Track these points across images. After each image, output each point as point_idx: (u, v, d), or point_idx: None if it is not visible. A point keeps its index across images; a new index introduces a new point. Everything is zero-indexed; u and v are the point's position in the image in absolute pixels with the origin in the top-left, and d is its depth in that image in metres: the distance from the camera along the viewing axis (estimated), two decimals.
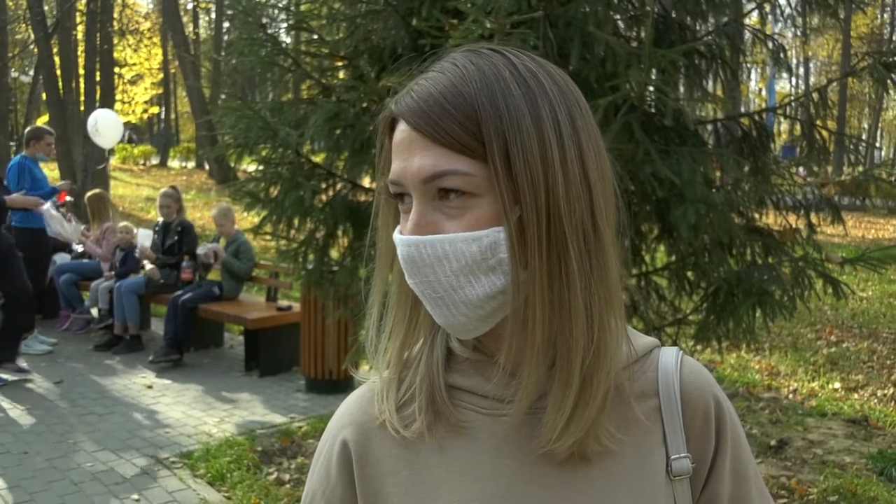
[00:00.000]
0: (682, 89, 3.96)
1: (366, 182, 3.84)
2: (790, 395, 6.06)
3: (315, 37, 4.00)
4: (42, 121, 39.07)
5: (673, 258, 3.72)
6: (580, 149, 0.76)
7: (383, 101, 3.35)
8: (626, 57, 2.85)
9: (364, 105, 3.46)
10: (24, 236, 7.04)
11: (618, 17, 3.68)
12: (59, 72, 18.02)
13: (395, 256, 0.81)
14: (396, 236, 0.79)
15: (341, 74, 3.89)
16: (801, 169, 4.16)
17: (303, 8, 4.10)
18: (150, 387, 6.13)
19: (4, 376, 6.15)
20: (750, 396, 5.92)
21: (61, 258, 8.20)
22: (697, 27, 3.90)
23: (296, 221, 3.65)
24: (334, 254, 3.88)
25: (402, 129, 0.77)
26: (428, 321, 0.84)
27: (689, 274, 3.66)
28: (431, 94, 0.75)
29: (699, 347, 3.68)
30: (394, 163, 0.78)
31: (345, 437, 0.87)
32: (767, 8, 3.80)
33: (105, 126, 10.28)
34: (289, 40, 6.25)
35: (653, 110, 3.22)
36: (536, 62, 0.79)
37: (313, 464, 0.92)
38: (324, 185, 3.73)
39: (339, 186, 3.73)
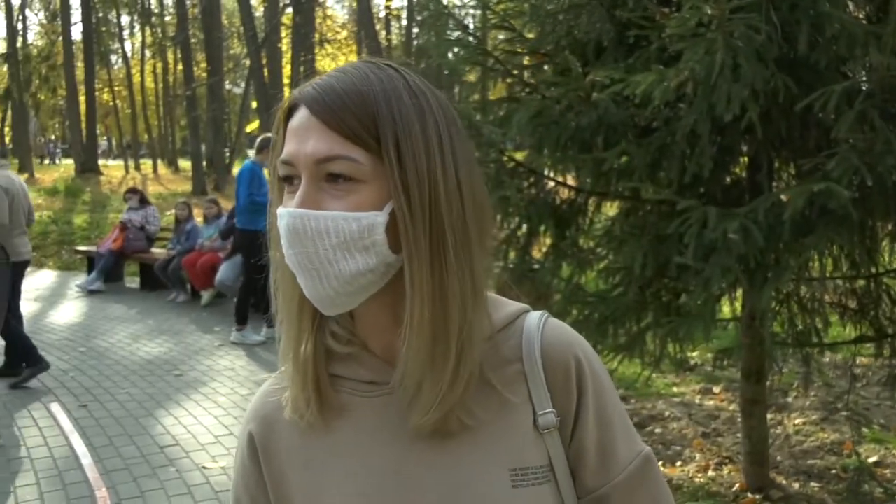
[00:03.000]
0: None
1: (570, 180, 3.78)
2: None
3: (503, 36, 3.99)
4: (251, 127, 42.26)
5: None
6: (455, 160, 0.86)
7: (590, 97, 3.30)
8: (864, 37, 2.59)
9: (568, 102, 3.41)
10: (245, 238, 7.57)
11: None
12: (266, 81, 19.39)
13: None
14: (280, 209, 0.86)
15: (545, 69, 3.85)
16: None
17: (502, 7, 4.11)
18: None
19: (256, 336, 7.66)
20: None
21: None
22: None
23: (498, 219, 3.66)
24: (535, 252, 3.86)
25: (301, 114, 0.86)
26: (309, 315, 0.92)
27: None
28: (334, 87, 0.85)
29: None
30: (288, 145, 0.86)
31: (251, 430, 0.99)
32: None
33: None
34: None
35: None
36: (424, 83, 0.89)
37: (235, 454, 1.05)
38: (525, 184, 3.71)
39: (541, 184, 3.70)
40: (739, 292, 3.58)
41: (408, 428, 0.90)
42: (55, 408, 5.67)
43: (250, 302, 7.88)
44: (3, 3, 32.00)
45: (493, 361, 0.91)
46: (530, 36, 3.91)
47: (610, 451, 0.92)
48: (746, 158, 3.62)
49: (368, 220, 0.83)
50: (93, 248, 11.72)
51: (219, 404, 5.76)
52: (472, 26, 4.42)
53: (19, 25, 36.78)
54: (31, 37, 41.10)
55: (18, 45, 34.15)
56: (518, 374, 0.91)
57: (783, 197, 2.92)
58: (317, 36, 25.03)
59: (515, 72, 3.92)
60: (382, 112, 0.83)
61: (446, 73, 4.21)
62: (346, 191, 0.84)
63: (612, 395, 0.95)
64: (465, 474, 0.89)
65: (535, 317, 0.95)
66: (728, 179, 3.71)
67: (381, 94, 0.84)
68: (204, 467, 4.56)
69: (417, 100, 0.86)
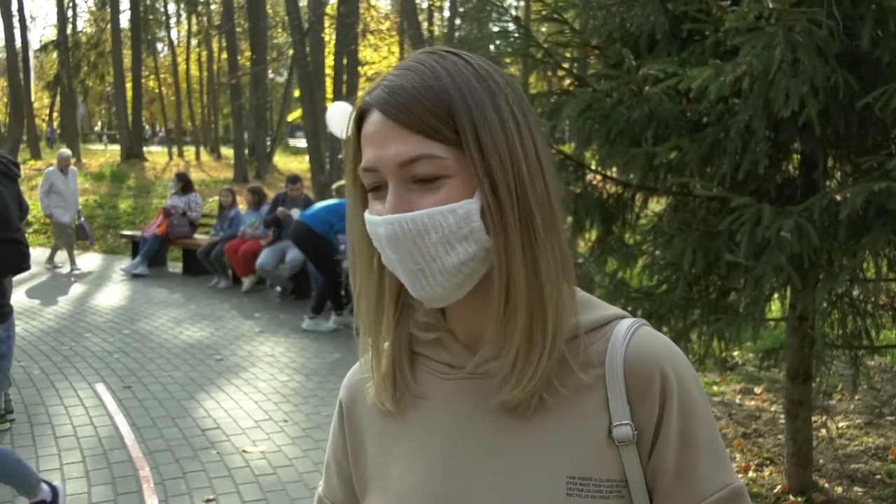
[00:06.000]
0: None
1: (615, 174, 3.74)
2: None
3: (545, 28, 3.96)
4: (293, 116, 42.60)
5: None
6: (532, 135, 0.86)
7: (642, 91, 3.26)
8: None
9: (619, 96, 3.37)
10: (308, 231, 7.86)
11: None
12: (309, 71, 19.48)
13: (368, 242, 0.89)
14: (373, 218, 0.86)
15: (592, 61, 3.81)
16: None
17: None
18: None
19: (328, 324, 7.82)
20: None
21: None
22: None
23: None
24: (580, 246, 3.83)
25: (374, 119, 0.85)
26: (392, 308, 0.94)
27: None
28: (404, 87, 0.84)
29: None
30: (367, 152, 0.85)
31: (341, 398, 1.05)
32: None
33: (331, 117, 10.32)
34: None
35: None
36: (489, 63, 0.89)
37: None
38: (572, 178, 3.68)
39: (588, 178, 3.67)
40: (786, 291, 3.51)
41: (473, 415, 0.90)
42: (100, 388, 5.79)
43: (328, 294, 8.00)
44: None
45: (570, 365, 0.88)
46: (580, 28, 3.87)
47: (689, 476, 0.87)
48: (798, 156, 3.56)
49: (464, 210, 0.83)
50: (137, 233, 11.93)
51: (259, 389, 5.83)
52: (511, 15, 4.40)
53: (69, 13, 37.52)
54: (81, 24, 41.99)
55: (68, 32, 34.83)
56: (597, 380, 0.88)
57: (837, 196, 2.86)
58: (360, 26, 25.10)
59: (566, 64, 3.88)
60: (456, 103, 0.83)
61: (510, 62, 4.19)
62: (435, 187, 0.84)
63: (703, 419, 0.90)
64: (519, 472, 0.88)
65: (627, 323, 0.91)
66: (779, 177, 3.65)
67: (451, 84, 0.83)
68: (244, 451, 4.62)
69: (486, 82, 0.85)
